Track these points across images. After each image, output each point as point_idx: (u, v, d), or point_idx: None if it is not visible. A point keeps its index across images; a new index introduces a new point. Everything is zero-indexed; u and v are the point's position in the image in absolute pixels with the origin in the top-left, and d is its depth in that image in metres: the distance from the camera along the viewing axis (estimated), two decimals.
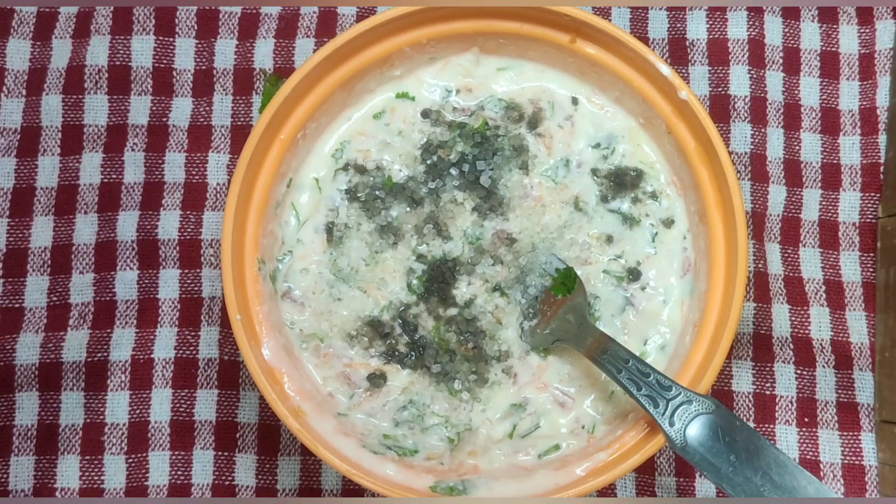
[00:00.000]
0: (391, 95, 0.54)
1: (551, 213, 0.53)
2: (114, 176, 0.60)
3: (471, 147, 0.54)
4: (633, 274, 0.53)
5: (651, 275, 0.53)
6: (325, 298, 0.52)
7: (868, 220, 0.60)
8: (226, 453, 0.57)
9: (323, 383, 0.51)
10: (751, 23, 0.62)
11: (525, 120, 0.54)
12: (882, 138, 0.61)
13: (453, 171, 0.53)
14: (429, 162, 0.53)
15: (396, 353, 0.52)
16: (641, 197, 0.54)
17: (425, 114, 0.54)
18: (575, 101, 0.55)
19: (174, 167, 0.60)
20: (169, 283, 0.59)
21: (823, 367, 0.59)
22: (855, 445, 0.58)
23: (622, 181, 0.54)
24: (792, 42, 0.63)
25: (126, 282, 0.59)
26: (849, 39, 0.63)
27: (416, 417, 0.51)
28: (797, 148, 0.61)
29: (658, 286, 0.53)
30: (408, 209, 0.53)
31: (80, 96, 0.60)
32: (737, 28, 0.62)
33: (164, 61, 0.61)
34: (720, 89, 0.61)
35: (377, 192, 0.53)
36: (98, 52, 0.61)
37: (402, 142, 0.54)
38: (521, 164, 0.54)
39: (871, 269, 0.60)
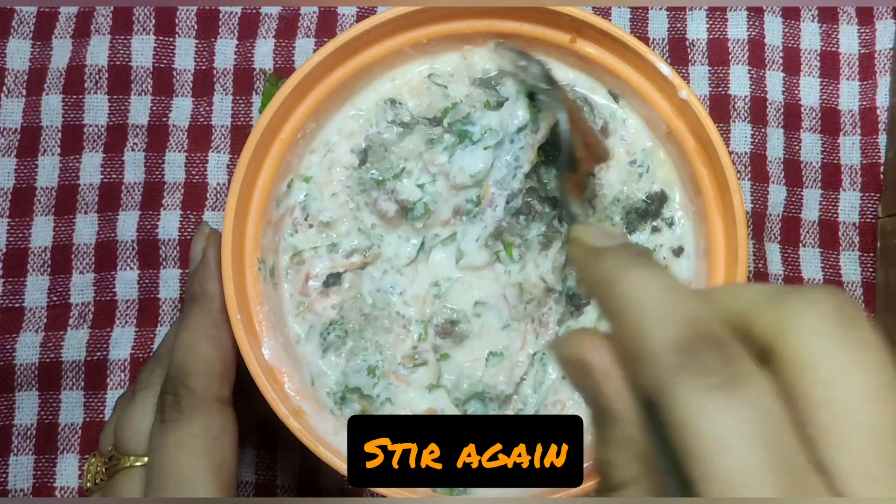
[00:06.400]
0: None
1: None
2: (114, 176, 0.60)
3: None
4: None
5: None
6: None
7: (868, 220, 0.61)
8: None
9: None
10: (751, 23, 0.62)
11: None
12: (882, 138, 0.61)
13: None
14: None
15: None
16: (660, 225, 0.52)
17: None
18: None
19: (174, 167, 0.60)
20: (169, 283, 0.59)
21: None
22: None
23: (646, 209, 0.52)
24: (792, 42, 0.63)
25: (126, 282, 0.59)
26: (849, 39, 0.63)
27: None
28: (797, 148, 0.61)
29: None
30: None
31: (80, 96, 0.60)
32: (737, 28, 0.62)
33: (164, 61, 0.61)
34: (720, 89, 0.61)
35: None
36: (98, 52, 0.61)
37: None
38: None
39: (871, 269, 0.60)
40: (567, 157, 0.46)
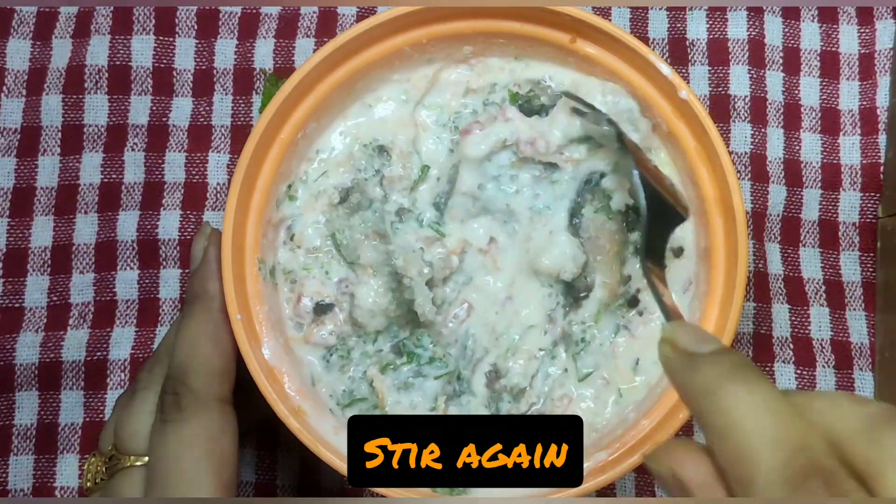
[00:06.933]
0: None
1: None
2: (114, 176, 0.60)
3: None
4: (632, 302, 0.52)
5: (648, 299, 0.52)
6: None
7: (868, 220, 0.61)
8: None
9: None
10: (751, 23, 0.62)
11: None
12: (882, 138, 0.61)
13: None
14: None
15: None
16: None
17: None
18: None
19: (174, 167, 0.60)
20: (169, 283, 0.59)
21: (823, 367, 0.59)
22: None
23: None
24: (792, 42, 0.63)
25: (126, 282, 0.59)
26: (849, 39, 0.63)
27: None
28: (797, 148, 0.61)
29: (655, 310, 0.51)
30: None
31: (80, 96, 0.60)
32: (737, 28, 0.62)
33: (164, 61, 0.61)
34: (720, 89, 0.61)
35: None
36: (98, 52, 0.61)
37: None
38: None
39: (871, 269, 0.60)
40: (648, 218, 0.44)
